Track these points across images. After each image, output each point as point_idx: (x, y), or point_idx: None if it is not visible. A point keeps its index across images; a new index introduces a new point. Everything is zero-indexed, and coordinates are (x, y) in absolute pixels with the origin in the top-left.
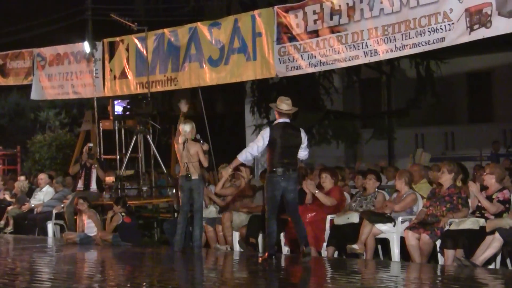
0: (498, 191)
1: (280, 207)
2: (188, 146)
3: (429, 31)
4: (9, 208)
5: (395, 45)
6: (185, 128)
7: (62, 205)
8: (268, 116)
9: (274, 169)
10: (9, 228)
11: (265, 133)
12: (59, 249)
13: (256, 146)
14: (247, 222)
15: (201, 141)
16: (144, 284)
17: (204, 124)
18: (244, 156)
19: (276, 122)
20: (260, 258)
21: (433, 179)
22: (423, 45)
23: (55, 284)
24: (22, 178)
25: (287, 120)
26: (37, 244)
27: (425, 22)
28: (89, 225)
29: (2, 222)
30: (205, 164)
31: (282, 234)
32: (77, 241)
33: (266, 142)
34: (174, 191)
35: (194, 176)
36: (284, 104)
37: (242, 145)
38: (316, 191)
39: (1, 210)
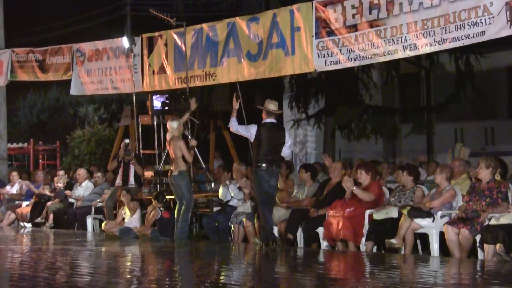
0: None
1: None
2: (173, 142)
3: (469, 25)
4: (49, 203)
5: (435, 39)
6: (172, 125)
7: (99, 200)
8: (307, 111)
9: (259, 164)
10: (50, 223)
11: (253, 128)
12: (99, 244)
13: (244, 128)
14: (285, 217)
15: (189, 138)
16: (183, 278)
17: (243, 119)
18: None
19: (263, 121)
20: (264, 247)
21: (472, 176)
22: (463, 39)
23: (95, 278)
24: (62, 173)
25: (273, 121)
26: (76, 239)
27: (465, 16)
28: (131, 218)
29: (43, 216)
30: (189, 159)
31: (320, 229)
32: (117, 234)
33: (252, 136)
34: (213, 186)
35: (174, 173)
36: (272, 105)
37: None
38: (354, 188)
39: (41, 205)
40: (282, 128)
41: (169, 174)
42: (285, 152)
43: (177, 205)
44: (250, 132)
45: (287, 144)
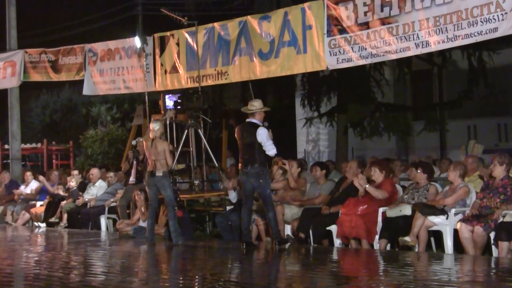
0: None
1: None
2: (156, 144)
3: (481, 22)
4: (63, 202)
5: (447, 36)
6: (154, 127)
7: (112, 199)
8: (319, 109)
9: (239, 164)
10: (64, 223)
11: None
12: (113, 243)
13: None
14: (298, 215)
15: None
16: (196, 277)
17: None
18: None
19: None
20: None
21: (484, 174)
22: (475, 36)
23: (109, 277)
24: (75, 172)
25: (253, 120)
26: (90, 238)
27: (478, 12)
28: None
29: (57, 216)
30: (169, 162)
31: (333, 227)
32: (131, 233)
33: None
34: (220, 184)
35: (158, 173)
36: (249, 105)
37: (293, 139)
38: (367, 186)
39: (55, 204)
40: (255, 127)
41: (147, 174)
42: (268, 152)
43: (151, 207)
44: None
45: (262, 142)
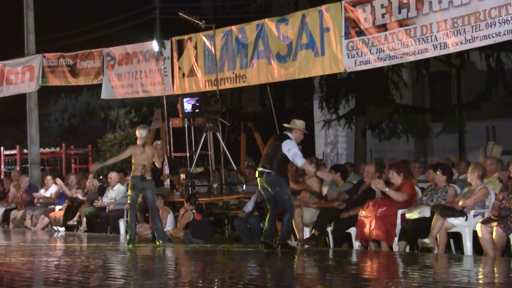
0: None
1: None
2: (147, 150)
3: (499, 23)
4: (82, 206)
5: (465, 37)
6: (142, 133)
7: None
8: (337, 111)
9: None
10: (83, 227)
11: None
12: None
13: None
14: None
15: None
16: (216, 280)
17: (273, 121)
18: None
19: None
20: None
21: (502, 177)
22: (493, 37)
23: (128, 281)
24: (91, 176)
25: (288, 133)
26: (109, 242)
27: (495, 13)
28: (164, 221)
29: (75, 219)
30: (159, 165)
31: (352, 229)
32: (150, 237)
33: None
34: (244, 187)
35: (148, 177)
36: (298, 122)
37: (311, 141)
38: (386, 189)
39: (74, 208)
40: (281, 138)
41: (137, 179)
42: (294, 161)
43: (131, 211)
44: None
45: (288, 154)
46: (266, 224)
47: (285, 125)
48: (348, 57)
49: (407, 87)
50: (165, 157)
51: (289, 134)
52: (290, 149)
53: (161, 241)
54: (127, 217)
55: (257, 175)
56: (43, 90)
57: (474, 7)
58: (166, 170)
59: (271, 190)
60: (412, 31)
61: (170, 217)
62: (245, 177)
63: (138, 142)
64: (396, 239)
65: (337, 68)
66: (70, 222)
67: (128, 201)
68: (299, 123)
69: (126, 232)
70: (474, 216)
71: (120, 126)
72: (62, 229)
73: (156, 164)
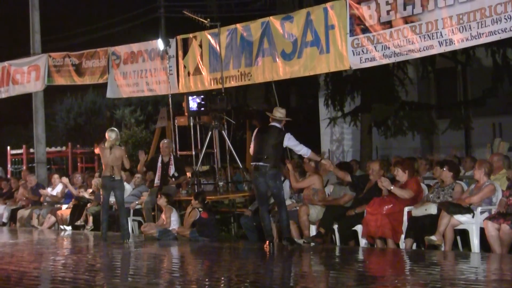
0: None
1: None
2: (114, 151)
3: (505, 19)
4: (88, 205)
5: (471, 33)
6: (111, 135)
7: (137, 202)
8: (343, 108)
9: (253, 164)
10: (90, 226)
11: (254, 133)
12: (138, 245)
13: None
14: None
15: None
16: (222, 278)
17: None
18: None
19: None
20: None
21: (510, 176)
22: (499, 33)
23: (135, 279)
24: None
25: (276, 125)
26: (116, 241)
27: (501, 9)
28: (168, 220)
29: (83, 219)
30: (127, 166)
31: (359, 227)
32: (156, 235)
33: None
34: (244, 185)
35: (117, 177)
36: (278, 113)
37: (316, 139)
38: (391, 187)
39: (81, 207)
40: (278, 131)
41: (105, 179)
42: (301, 152)
43: (103, 207)
44: (252, 140)
45: (292, 146)
46: (265, 222)
47: (275, 116)
48: (353, 54)
49: (412, 84)
50: (171, 156)
51: (279, 125)
52: (293, 141)
53: (126, 240)
54: (133, 215)
55: (254, 169)
56: (49, 89)
57: (479, 3)
58: (172, 169)
59: (271, 183)
60: (418, 28)
61: (174, 216)
62: (250, 175)
63: (106, 144)
64: (402, 236)
65: (342, 66)
66: (77, 222)
67: (101, 201)
68: (284, 112)
69: (132, 230)
70: (481, 213)
71: (126, 125)
72: (69, 228)
73: (125, 164)
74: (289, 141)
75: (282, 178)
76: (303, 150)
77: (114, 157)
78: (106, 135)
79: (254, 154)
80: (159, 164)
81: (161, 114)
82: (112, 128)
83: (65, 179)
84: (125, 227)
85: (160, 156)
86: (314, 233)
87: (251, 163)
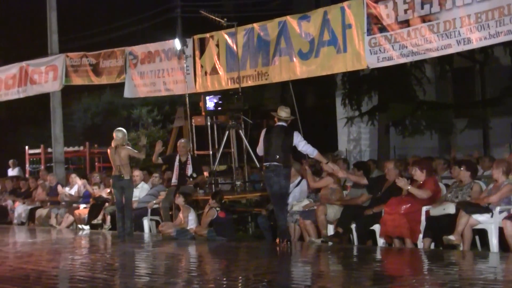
0: None
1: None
2: (119, 151)
3: None
4: (106, 205)
5: (489, 32)
6: (118, 135)
7: (155, 201)
8: (360, 108)
9: (266, 165)
10: (108, 225)
11: (261, 134)
12: (156, 245)
13: (258, 145)
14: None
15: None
16: (240, 278)
17: (295, 118)
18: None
19: (275, 125)
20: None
21: None
22: None
23: (153, 279)
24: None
25: (283, 124)
26: (134, 240)
27: None
28: (186, 220)
29: (99, 218)
30: (142, 157)
31: (376, 226)
32: (173, 235)
33: (261, 142)
34: (262, 185)
35: (126, 177)
36: (283, 112)
37: (334, 138)
38: (409, 187)
39: (99, 207)
40: (288, 131)
41: (114, 178)
42: (307, 151)
43: (117, 206)
44: (260, 140)
45: (300, 145)
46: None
47: (281, 115)
48: (371, 54)
49: (430, 83)
50: (189, 156)
51: (285, 124)
52: (301, 140)
53: (126, 238)
54: (151, 215)
55: (267, 169)
56: (66, 89)
57: (497, 1)
58: (190, 169)
59: (283, 183)
60: (435, 27)
61: (191, 215)
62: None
63: (112, 144)
64: (420, 236)
65: (359, 65)
66: (95, 221)
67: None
68: (288, 111)
69: (150, 230)
70: (500, 212)
71: (143, 125)
72: (87, 227)
73: (139, 157)
74: (296, 139)
75: (300, 178)
76: (309, 150)
77: (118, 157)
78: (114, 134)
79: (266, 155)
80: (176, 163)
81: (178, 114)
82: (119, 128)
83: (83, 181)
84: (127, 225)
85: (177, 155)
86: (332, 233)
87: (265, 164)
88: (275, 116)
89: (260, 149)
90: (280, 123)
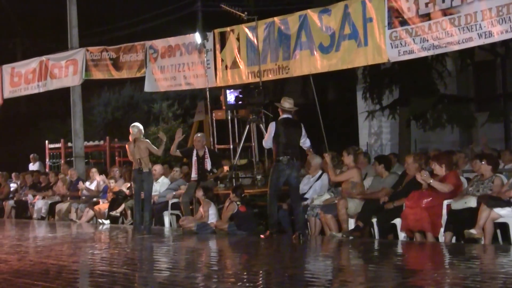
0: None
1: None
2: (139, 144)
3: None
4: (127, 199)
5: (510, 26)
6: (134, 130)
7: (175, 194)
8: (381, 101)
9: (280, 158)
10: (128, 220)
11: (272, 126)
12: (176, 239)
13: (269, 135)
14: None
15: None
16: (260, 272)
17: (316, 111)
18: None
19: (280, 118)
20: (262, 236)
21: None
22: None
23: (174, 273)
24: None
25: (289, 116)
26: (154, 234)
27: None
28: (206, 214)
29: (118, 211)
30: (160, 153)
31: (397, 220)
32: (194, 229)
33: (272, 133)
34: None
35: (145, 170)
36: (287, 103)
37: (355, 132)
38: (431, 181)
39: (119, 202)
40: (299, 124)
41: (134, 172)
42: (306, 144)
43: (136, 200)
44: (271, 133)
45: (303, 137)
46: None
47: (285, 106)
48: (392, 47)
49: (451, 76)
50: (206, 150)
51: (291, 117)
52: (305, 133)
53: (145, 232)
54: (171, 209)
55: (282, 162)
56: (86, 83)
57: None
58: (208, 163)
59: (296, 174)
60: (456, 20)
61: (212, 210)
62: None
63: (130, 138)
64: (442, 229)
65: (380, 59)
66: (113, 213)
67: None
68: (291, 102)
69: (170, 224)
70: None
71: (164, 119)
72: (107, 222)
73: (156, 152)
74: (303, 132)
75: (320, 172)
76: (307, 142)
77: (137, 150)
78: (130, 130)
79: (279, 148)
80: (194, 157)
81: (198, 108)
82: (134, 123)
83: (102, 177)
84: (146, 219)
85: (195, 149)
86: (353, 227)
87: (281, 157)
88: (279, 107)
89: (267, 142)
90: (285, 115)
